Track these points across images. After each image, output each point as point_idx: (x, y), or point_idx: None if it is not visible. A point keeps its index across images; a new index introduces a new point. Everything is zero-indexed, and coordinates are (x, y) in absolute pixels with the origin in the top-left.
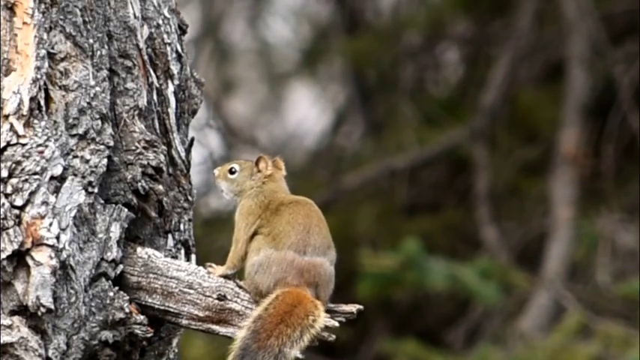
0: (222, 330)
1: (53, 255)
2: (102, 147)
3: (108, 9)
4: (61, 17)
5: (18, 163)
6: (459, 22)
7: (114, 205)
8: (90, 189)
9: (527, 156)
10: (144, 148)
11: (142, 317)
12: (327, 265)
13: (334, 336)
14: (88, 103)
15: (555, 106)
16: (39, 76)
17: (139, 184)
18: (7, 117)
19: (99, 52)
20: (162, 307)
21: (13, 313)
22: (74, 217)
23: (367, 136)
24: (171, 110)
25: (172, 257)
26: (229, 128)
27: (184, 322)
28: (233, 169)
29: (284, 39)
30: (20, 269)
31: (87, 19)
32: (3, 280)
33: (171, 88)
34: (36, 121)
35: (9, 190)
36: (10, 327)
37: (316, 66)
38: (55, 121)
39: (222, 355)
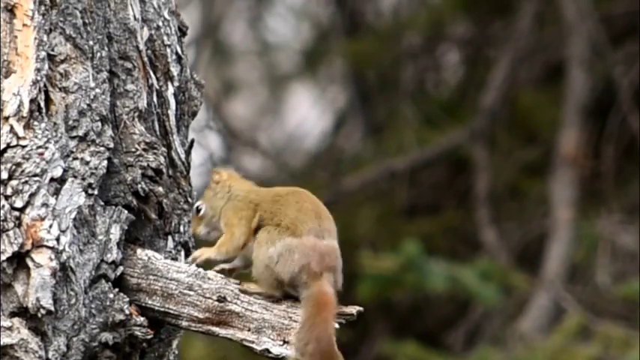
0: (222, 332)
1: (53, 257)
2: (102, 149)
3: (108, 11)
4: (61, 19)
5: (18, 164)
6: (459, 23)
7: (114, 207)
8: (90, 191)
9: (527, 157)
10: (144, 149)
11: (142, 319)
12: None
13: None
14: (88, 105)
15: (555, 107)
16: (39, 78)
17: (139, 185)
18: (7, 119)
19: (99, 54)
20: (162, 309)
21: (13, 314)
22: (74, 219)
23: (367, 137)
24: (171, 112)
25: (172, 259)
26: (229, 130)
27: (184, 323)
28: (199, 208)
29: (284, 40)
30: (20, 271)
31: (87, 20)
32: (3, 282)
33: (171, 89)
34: (36, 123)
35: (9, 191)
36: (10, 329)
37: (316, 67)
38: (55, 123)
39: (222, 356)
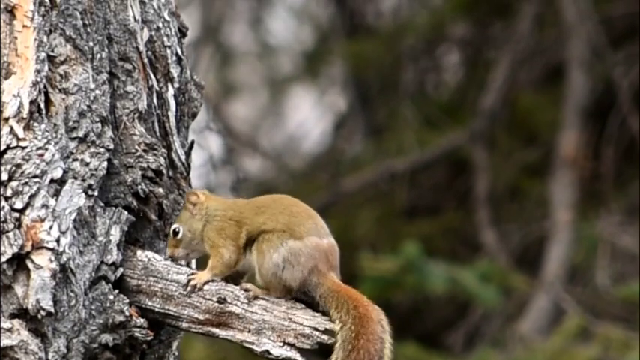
0: (222, 333)
1: (53, 258)
2: (102, 150)
3: (108, 12)
4: (61, 20)
5: (18, 166)
6: (459, 25)
7: (114, 208)
8: (90, 192)
9: (526, 158)
10: (144, 151)
11: (142, 320)
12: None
13: (334, 339)
14: (88, 106)
15: (555, 108)
16: (39, 79)
17: (139, 187)
18: (7, 120)
19: (99, 55)
20: (162, 310)
21: (13, 316)
22: (74, 220)
23: (367, 138)
24: (171, 113)
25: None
26: (229, 131)
27: (184, 325)
28: (176, 230)
29: (285, 42)
30: (20, 272)
31: (87, 22)
32: (3, 284)
33: (171, 91)
34: (36, 124)
35: (9, 193)
36: (10, 330)
37: (317, 69)
38: (55, 124)
39: (222, 358)
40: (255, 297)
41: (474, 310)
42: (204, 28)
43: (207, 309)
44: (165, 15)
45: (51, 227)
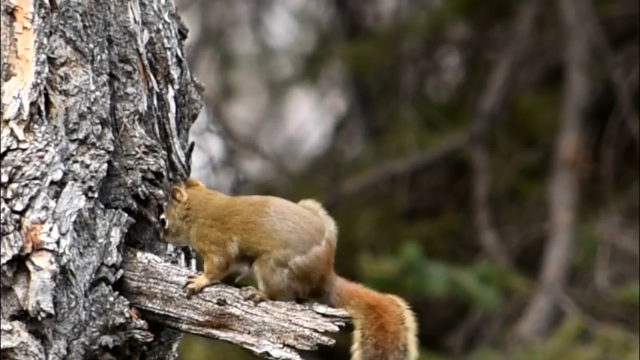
0: (222, 335)
1: (53, 260)
2: (102, 152)
3: (108, 14)
4: (61, 22)
5: (18, 168)
6: (459, 26)
7: (114, 210)
8: (90, 194)
9: (526, 160)
10: (144, 152)
11: (142, 322)
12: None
13: (334, 340)
14: (88, 108)
15: (555, 110)
16: (39, 81)
17: (139, 188)
18: (7, 122)
19: (99, 57)
20: (162, 312)
21: (13, 317)
22: (74, 222)
23: (367, 140)
24: (172, 115)
25: (172, 262)
26: (229, 133)
27: (184, 326)
28: (163, 220)
29: (285, 44)
30: (20, 274)
31: (87, 23)
32: (3, 285)
33: (171, 92)
34: (36, 126)
35: (9, 195)
36: (10, 332)
37: (317, 71)
38: (55, 126)
39: (222, 359)
40: (261, 300)
41: (473, 311)
42: (204, 31)
43: (207, 311)
44: (166, 17)
45: (51, 229)
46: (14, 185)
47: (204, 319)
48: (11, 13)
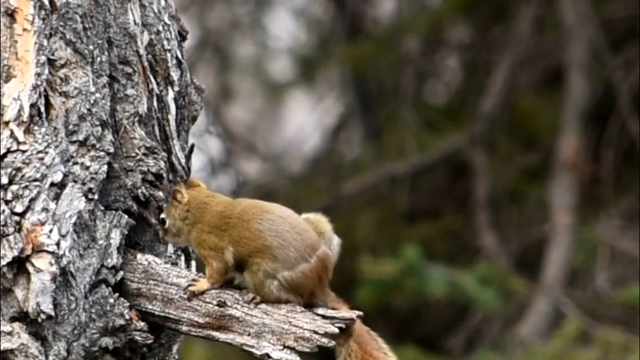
0: (222, 336)
1: (53, 261)
2: (102, 153)
3: (108, 15)
4: (61, 24)
5: (18, 169)
6: (459, 28)
7: (114, 212)
8: (90, 195)
9: (526, 162)
10: (144, 154)
11: (142, 324)
12: (327, 247)
13: (334, 342)
14: (88, 110)
15: (555, 112)
16: (39, 83)
17: (139, 190)
18: (7, 123)
19: (99, 59)
20: (162, 314)
21: (13, 319)
22: (74, 224)
23: (367, 142)
24: (172, 117)
25: (172, 264)
26: (229, 134)
27: (184, 328)
28: (163, 220)
29: (284, 45)
30: (20, 276)
31: (87, 25)
32: (3, 287)
33: (171, 94)
34: (36, 128)
35: (9, 196)
36: (10, 333)
37: (316, 72)
38: (55, 128)
39: None
40: (261, 302)
41: (473, 313)
42: (203, 32)
43: (207, 312)
44: (166, 18)
45: (51, 231)
46: (14, 187)
47: (204, 321)
48: (11, 14)
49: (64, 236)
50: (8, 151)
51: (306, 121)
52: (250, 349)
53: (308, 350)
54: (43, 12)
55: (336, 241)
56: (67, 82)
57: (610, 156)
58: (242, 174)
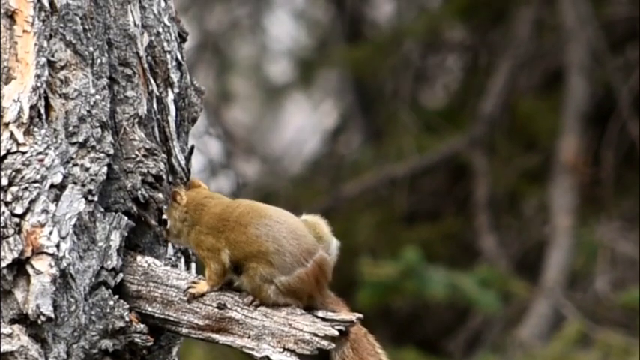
0: (221, 338)
1: (53, 263)
2: (102, 155)
3: (108, 17)
4: (62, 25)
5: (18, 171)
6: (458, 30)
7: (114, 214)
8: (90, 197)
9: (526, 164)
10: (144, 156)
11: (142, 326)
12: (325, 251)
13: (334, 344)
14: (88, 111)
15: (555, 113)
16: (39, 84)
17: (139, 192)
18: (7, 125)
19: (99, 60)
20: (162, 316)
21: (13, 321)
22: (74, 226)
23: (367, 144)
24: (171, 118)
25: (172, 266)
26: (229, 136)
27: (184, 330)
28: (165, 220)
29: (284, 47)
30: (20, 278)
31: (87, 27)
32: (3, 289)
33: (171, 96)
34: (36, 130)
35: (9, 198)
36: (10, 335)
37: (316, 74)
38: (55, 130)
39: None
40: (260, 304)
41: (473, 315)
42: (203, 34)
43: (207, 315)
44: (166, 20)
45: (51, 232)
46: (14, 189)
47: (204, 323)
48: (11, 16)
49: (63, 238)
50: (8, 152)
51: (305, 123)
52: (250, 352)
53: (308, 353)
54: (43, 13)
55: (335, 243)
56: (67, 83)
57: (610, 158)
58: (242, 176)
